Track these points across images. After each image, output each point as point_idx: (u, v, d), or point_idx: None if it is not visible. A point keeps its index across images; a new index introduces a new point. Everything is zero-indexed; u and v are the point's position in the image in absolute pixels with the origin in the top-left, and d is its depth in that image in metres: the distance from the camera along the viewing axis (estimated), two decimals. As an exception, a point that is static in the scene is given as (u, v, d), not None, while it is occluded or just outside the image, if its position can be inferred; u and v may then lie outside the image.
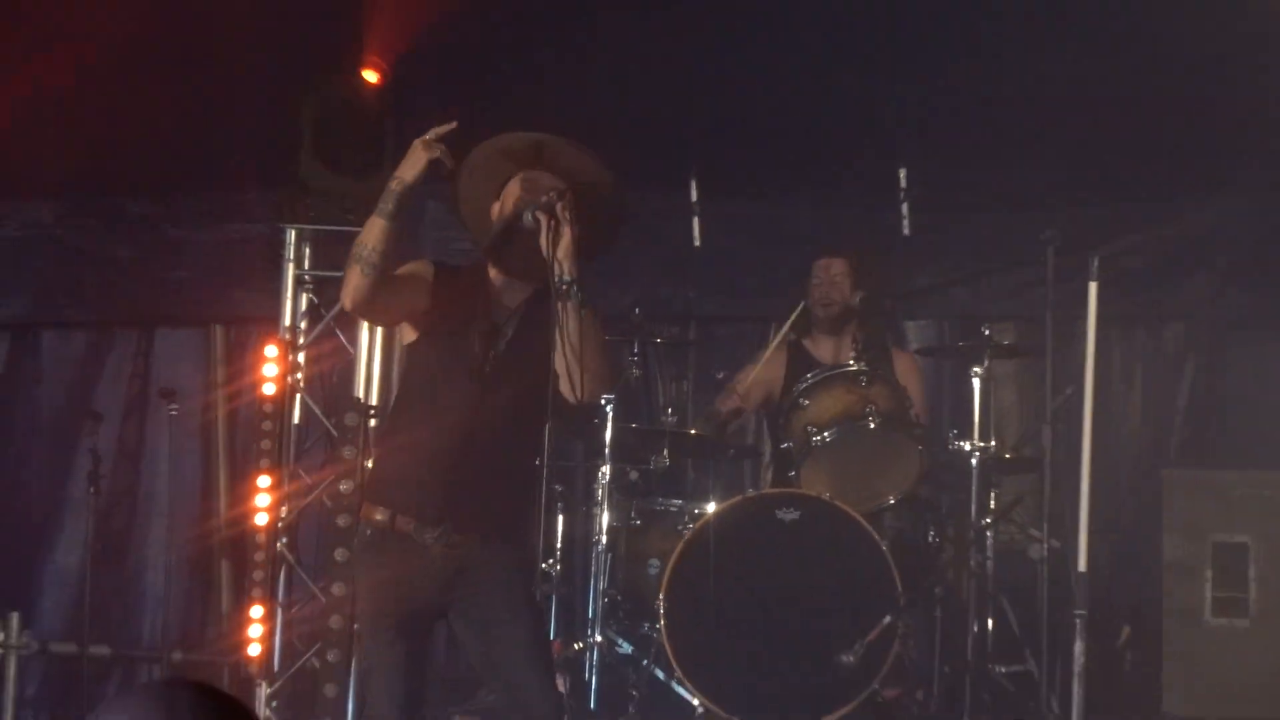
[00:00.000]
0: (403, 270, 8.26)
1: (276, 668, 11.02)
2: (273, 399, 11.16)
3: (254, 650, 10.87)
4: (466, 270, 8.34)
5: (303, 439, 11.35)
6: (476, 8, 10.60)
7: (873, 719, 10.22)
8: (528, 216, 7.98)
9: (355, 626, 10.36)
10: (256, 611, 10.96)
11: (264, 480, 11.03)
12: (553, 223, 7.93)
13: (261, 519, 11.03)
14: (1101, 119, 10.78)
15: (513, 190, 8.15)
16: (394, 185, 8.03)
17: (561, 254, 7.91)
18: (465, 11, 10.57)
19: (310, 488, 11.12)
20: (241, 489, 11.55)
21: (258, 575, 11.14)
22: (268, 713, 10.66)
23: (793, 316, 10.93)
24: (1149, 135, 10.89)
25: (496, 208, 8.17)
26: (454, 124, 7.91)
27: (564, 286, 7.90)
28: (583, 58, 10.59)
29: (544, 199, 7.97)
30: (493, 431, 8.13)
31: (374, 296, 8.05)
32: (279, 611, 11.10)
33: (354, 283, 8.03)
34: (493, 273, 8.20)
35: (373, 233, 7.96)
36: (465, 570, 8.14)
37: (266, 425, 11.20)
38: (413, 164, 7.97)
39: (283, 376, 11.19)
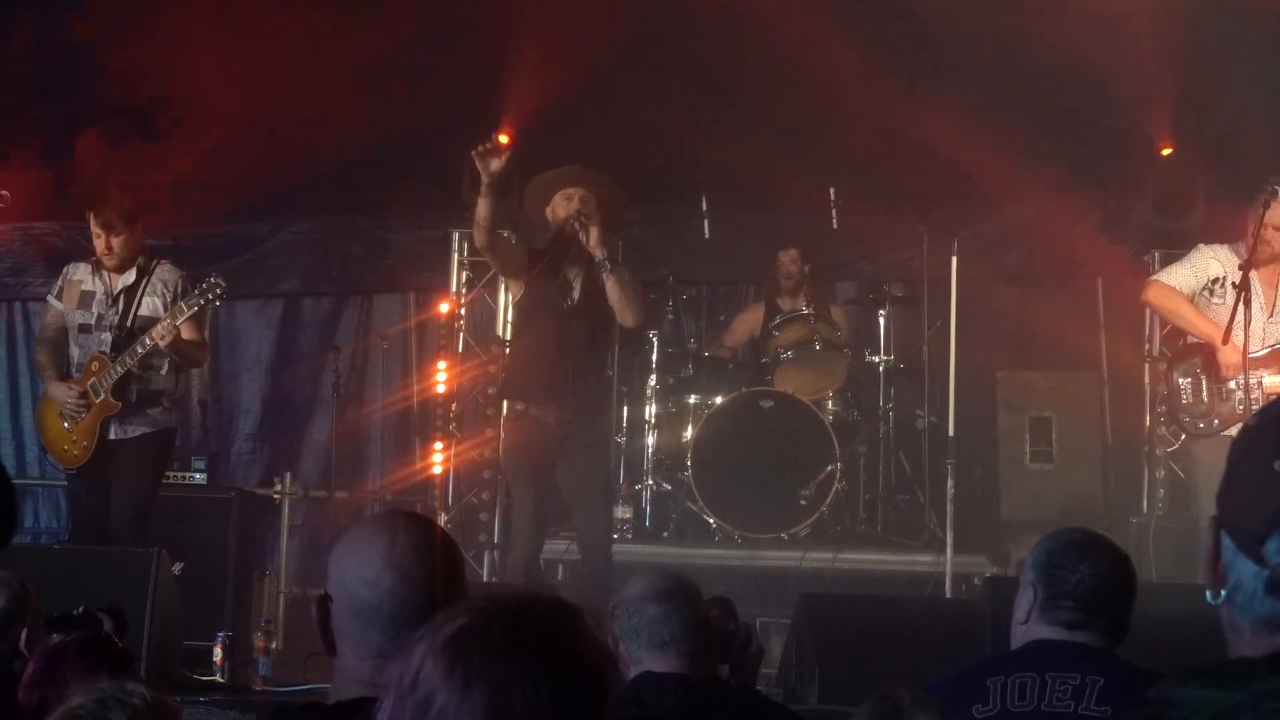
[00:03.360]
0: (510, 244, 8.90)
1: (450, 503, 11.15)
2: (446, 320, 11.42)
3: (437, 470, 11.06)
4: (543, 252, 8.66)
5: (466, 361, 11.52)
6: (567, 105, 10.77)
7: (819, 531, 10.30)
8: (572, 226, 8.37)
9: (500, 477, 10.65)
10: (439, 445, 11.22)
11: (442, 364, 11.32)
12: (585, 228, 8.33)
13: (440, 389, 11.31)
14: (956, 156, 10.76)
15: (555, 206, 8.53)
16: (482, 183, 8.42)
17: (593, 245, 8.30)
18: (559, 106, 10.78)
19: (469, 387, 11.37)
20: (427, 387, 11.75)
21: (439, 425, 11.37)
22: (446, 528, 10.73)
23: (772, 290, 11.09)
24: (981, 164, 10.89)
25: (549, 211, 8.55)
26: (492, 143, 8.38)
27: (602, 261, 8.32)
28: (635, 125, 10.65)
29: (577, 216, 8.36)
30: (575, 352, 8.49)
31: (489, 243, 8.60)
32: (452, 474, 11.32)
33: (476, 235, 8.66)
34: (559, 255, 8.57)
35: (479, 208, 8.37)
36: (566, 438, 8.49)
37: (443, 341, 11.46)
38: (484, 166, 8.29)
39: (451, 318, 11.47)
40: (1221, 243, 8.39)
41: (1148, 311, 11.05)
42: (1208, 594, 2.04)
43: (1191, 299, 8.31)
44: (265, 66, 10.95)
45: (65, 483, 9.68)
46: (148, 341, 8.37)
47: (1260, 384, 8.08)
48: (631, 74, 10.68)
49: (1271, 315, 8.20)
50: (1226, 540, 2.00)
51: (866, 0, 10.38)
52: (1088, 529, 4.38)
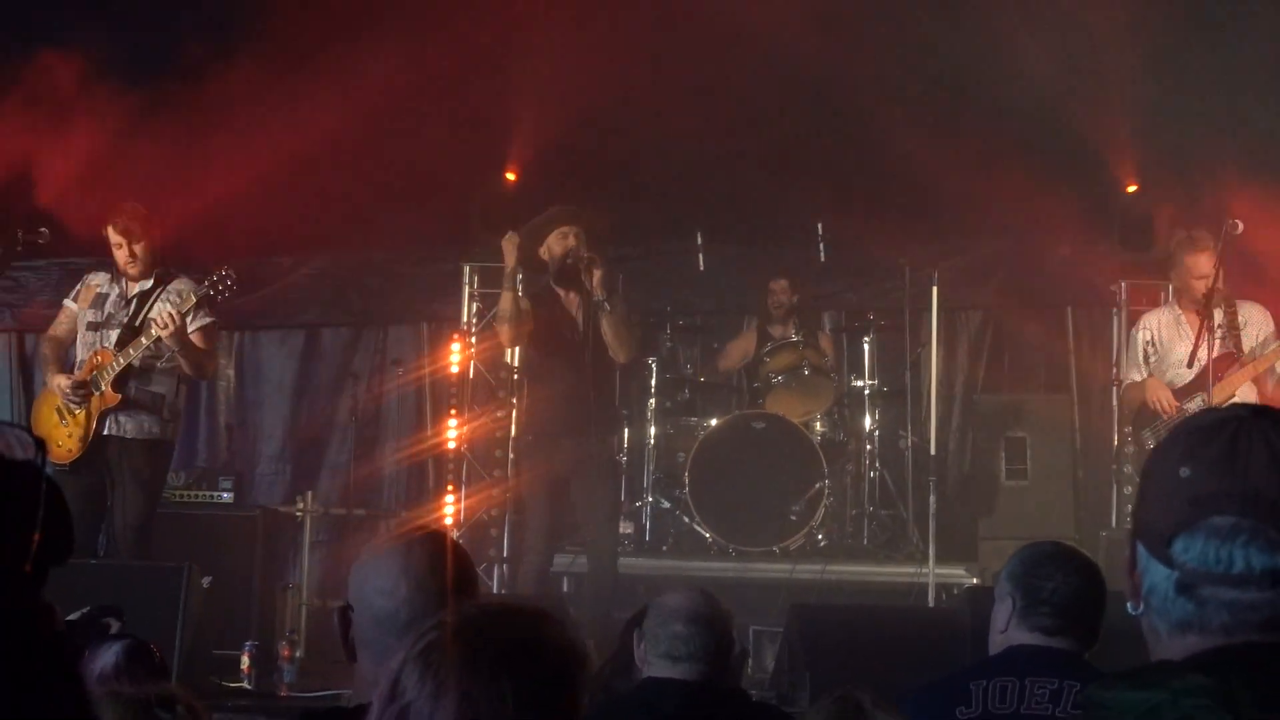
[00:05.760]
0: (529, 322, 8.67)
1: (462, 518, 11.12)
2: (458, 375, 11.39)
3: (448, 520, 11.00)
4: (543, 290, 8.64)
5: (476, 389, 11.51)
6: (569, 145, 10.80)
7: (808, 545, 10.34)
8: (571, 260, 8.35)
9: (508, 494, 10.64)
10: (450, 498, 11.20)
11: (453, 421, 11.30)
12: (589, 270, 8.30)
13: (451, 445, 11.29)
14: (934, 193, 10.78)
15: (550, 245, 8.49)
16: (507, 269, 8.48)
17: (596, 284, 8.27)
18: (562, 146, 10.81)
19: (479, 417, 11.33)
20: (440, 416, 11.71)
21: (449, 475, 11.34)
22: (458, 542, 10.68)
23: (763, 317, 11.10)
24: (958, 201, 10.91)
25: (544, 251, 8.54)
26: (516, 235, 8.36)
27: (601, 301, 8.29)
28: (635, 165, 10.68)
29: (581, 253, 8.34)
30: (588, 379, 8.47)
31: (517, 338, 8.50)
32: (463, 491, 11.29)
33: (505, 334, 8.77)
34: (559, 290, 8.53)
35: (504, 302, 8.49)
36: (582, 459, 8.49)
37: (454, 398, 11.44)
38: (509, 253, 8.35)
39: (464, 352, 11.43)
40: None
41: (1114, 338, 11.16)
42: (1128, 605, 2.06)
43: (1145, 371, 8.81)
44: (290, 115, 10.98)
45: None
46: (152, 332, 8.09)
47: (1205, 400, 8.24)
48: (631, 117, 10.66)
49: (1201, 344, 8.42)
50: (1141, 549, 2.02)
51: (850, 52, 10.35)
52: (1059, 541, 4.41)
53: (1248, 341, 8.50)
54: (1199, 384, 8.41)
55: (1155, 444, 2.13)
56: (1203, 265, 8.38)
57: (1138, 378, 8.78)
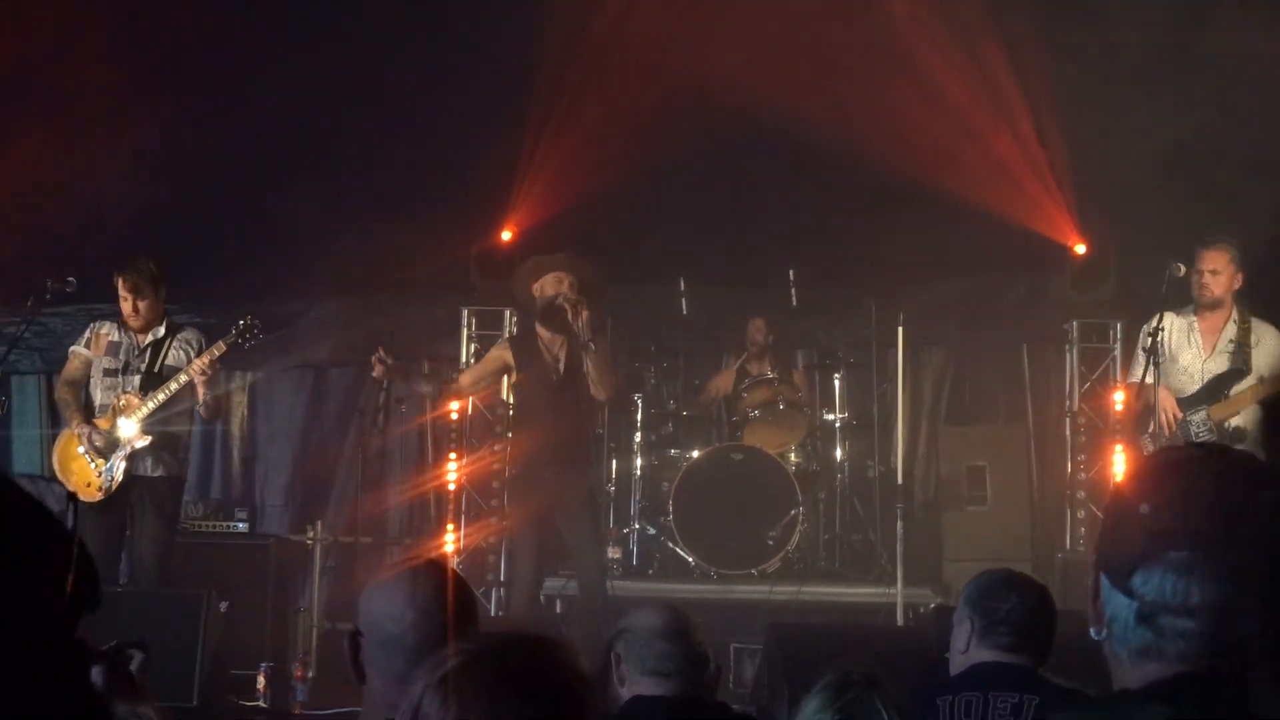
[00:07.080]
0: (491, 360, 8.87)
1: (462, 546, 11.14)
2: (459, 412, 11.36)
3: (449, 548, 10.99)
4: (527, 331, 8.68)
5: (474, 425, 11.48)
6: (562, 202, 10.83)
7: (785, 568, 10.34)
8: (560, 302, 8.33)
9: (504, 524, 10.63)
10: (450, 528, 11.13)
11: (453, 455, 11.25)
12: (577, 307, 8.29)
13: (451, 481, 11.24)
14: (898, 240, 10.82)
15: (544, 284, 8.50)
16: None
17: (584, 324, 8.26)
18: (556, 204, 10.87)
19: (477, 451, 11.30)
20: (441, 452, 11.66)
21: (449, 511, 11.29)
22: (459, 571, 10.63)
23: (742, 357, 11.10)
24: (919, 248, 10.94)
25: (536, 289, 8.53)
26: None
27: (586, 342, 8.26)
28: (625, 221, 10.75)
29: (569, 295, 8.33)
30: (568, 416, 8.47)
31: (470, 393, 9.13)
32: (461, 522, 11.25)
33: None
34: (541, 331, 8.53)
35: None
36: (563, 489, 8.46)
37: (454, 416, 11.40)
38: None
39: (461, 418, 11.33)
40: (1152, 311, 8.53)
41: (1067, 372, 11.21)
42: (1091, 630, 2.08)
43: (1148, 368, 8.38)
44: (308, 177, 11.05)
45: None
46: (183, 378, 8.16)
47: (1208, 415, 8.17)
48: (621, 180, 10.70)
49: (1210, 356, 8.30)
50: (1104, 579, 2.04)
51: (819, 113, 10.41)
52: (1009, 569, 4.46)
53: (1257, 361, 8.25)
54: (1203, 397, 8.24)
55: (1119, 477, 2.16)
56: (1209, 261, 8.24)
57: (1148, 379, 8.41)
